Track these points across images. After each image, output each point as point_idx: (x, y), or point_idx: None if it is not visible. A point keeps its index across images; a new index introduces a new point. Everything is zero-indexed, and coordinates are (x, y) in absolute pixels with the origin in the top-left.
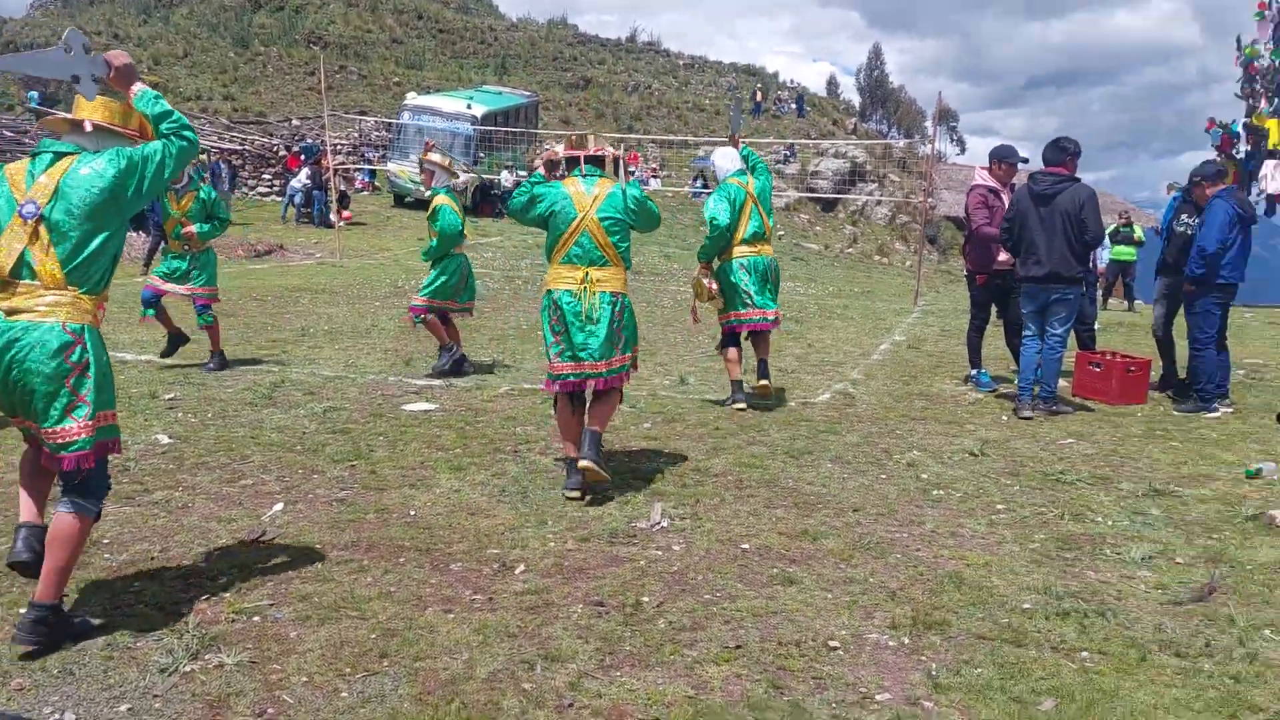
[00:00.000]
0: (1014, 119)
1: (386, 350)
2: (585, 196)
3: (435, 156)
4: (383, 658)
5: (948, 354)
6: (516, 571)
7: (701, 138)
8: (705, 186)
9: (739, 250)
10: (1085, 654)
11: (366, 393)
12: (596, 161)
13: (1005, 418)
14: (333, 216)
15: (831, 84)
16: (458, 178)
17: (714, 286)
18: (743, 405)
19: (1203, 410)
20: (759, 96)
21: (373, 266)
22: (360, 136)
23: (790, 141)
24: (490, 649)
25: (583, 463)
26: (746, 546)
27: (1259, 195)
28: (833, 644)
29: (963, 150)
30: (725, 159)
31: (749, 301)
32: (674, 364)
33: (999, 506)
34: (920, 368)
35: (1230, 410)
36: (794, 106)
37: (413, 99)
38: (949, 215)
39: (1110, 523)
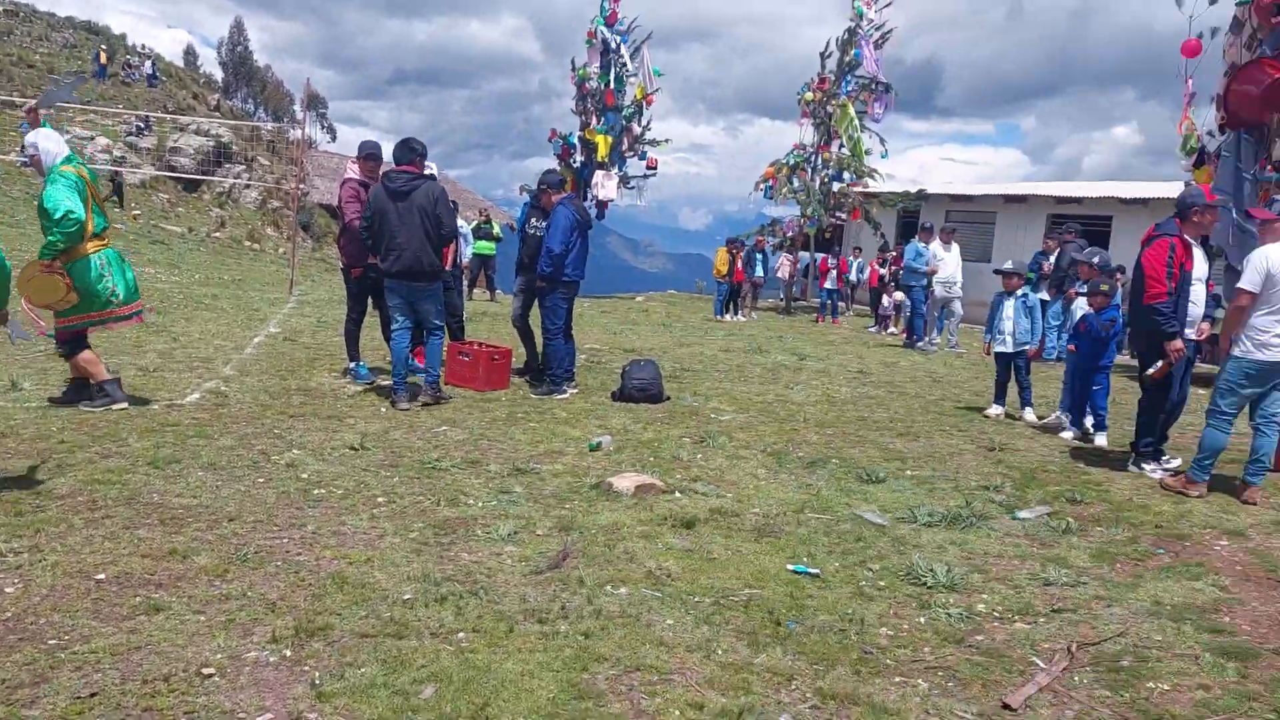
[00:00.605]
0: (381, 111)
1: None
2: None
3: None
4: None
5: (326, 346)
6: None
7: (31, 99)
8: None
9: (92, 245)
10: (462, 635)
11: None
12: None
13: (385, 410)
14: None
15: (190, 54)
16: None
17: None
18: (124, 404)
19: (555, 393)
20: (103, 59)
21: None
22: None
23: (145, 114)
24: None
25: None
26: (102, 576)
27: (592, 201)
28: (208, 670)
29: (334, 138)
30: (52, 141)
31: (115, 299)
32: (2, 366)
33: (380, 499)
34: (298, 361)
35: (576, 391)
36: (146, 74)
37: None
38: (322, 203)
39: (481, 504)
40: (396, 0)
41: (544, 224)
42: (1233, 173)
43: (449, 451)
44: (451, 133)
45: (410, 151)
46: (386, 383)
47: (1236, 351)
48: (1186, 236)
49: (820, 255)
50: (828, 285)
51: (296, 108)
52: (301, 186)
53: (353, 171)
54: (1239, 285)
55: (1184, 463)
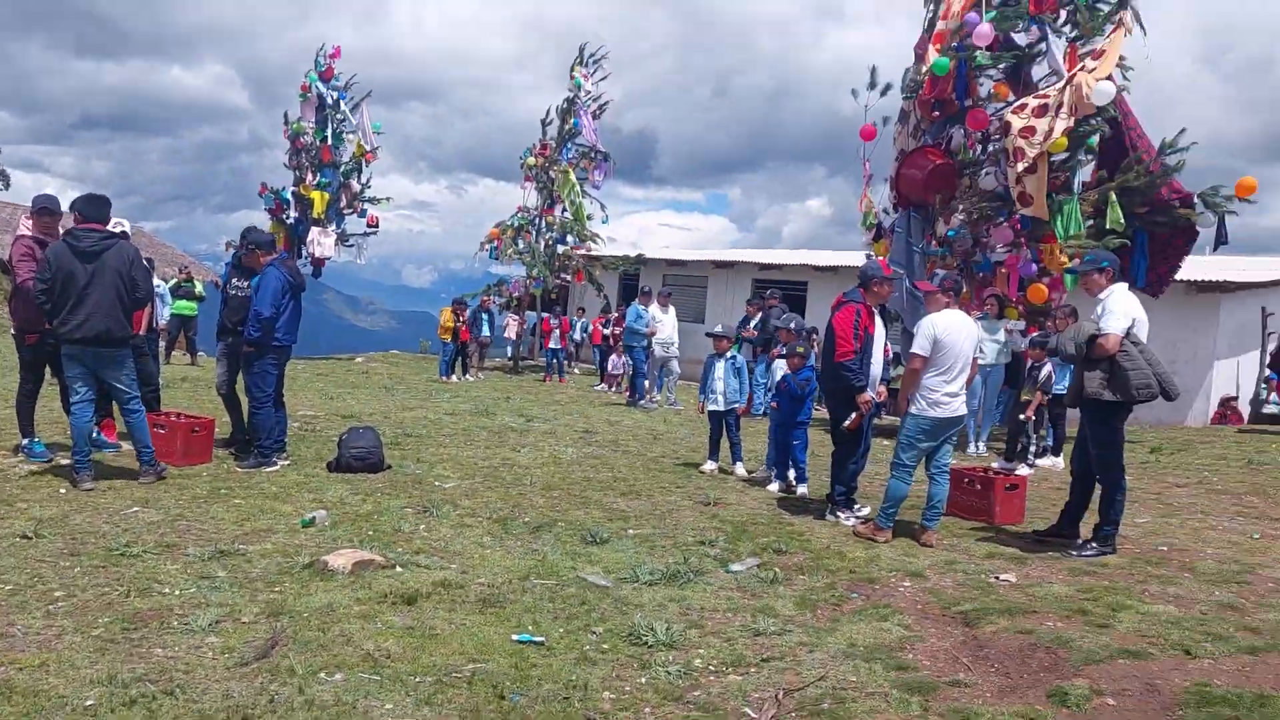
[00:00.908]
0: (65, 158)
1: None
2: None
3: None
4: None
5: None
6: None
7: None
8: None
9: None
10: None
11: None
12: None
13: (65, 490)
14: None
15: None
16: None
17: None
18: None
19: (263, 465)
20: None
21: None
22: None
23: None
24: None
25: None
26: None
27: (307, 259)
28: None
29: (7, 186)
30: None
31: None
32: None
33: (58, 594)
34: None
35: (288, 463)
36: None
37: None
38: None
39: (178, 592)
40: (87, 40)
41: (246, 284)
42: (905, 247)
43: (140, 535)
44: (149, 183)
45: (98, 206)
46: (67, 462)
47: (913, 409)
48: (868, 303)
49: (544, 315)
50: (552, 345)
51: None
52: None
53: (26, 227)
54: (912, 350)
55: (873, 510)
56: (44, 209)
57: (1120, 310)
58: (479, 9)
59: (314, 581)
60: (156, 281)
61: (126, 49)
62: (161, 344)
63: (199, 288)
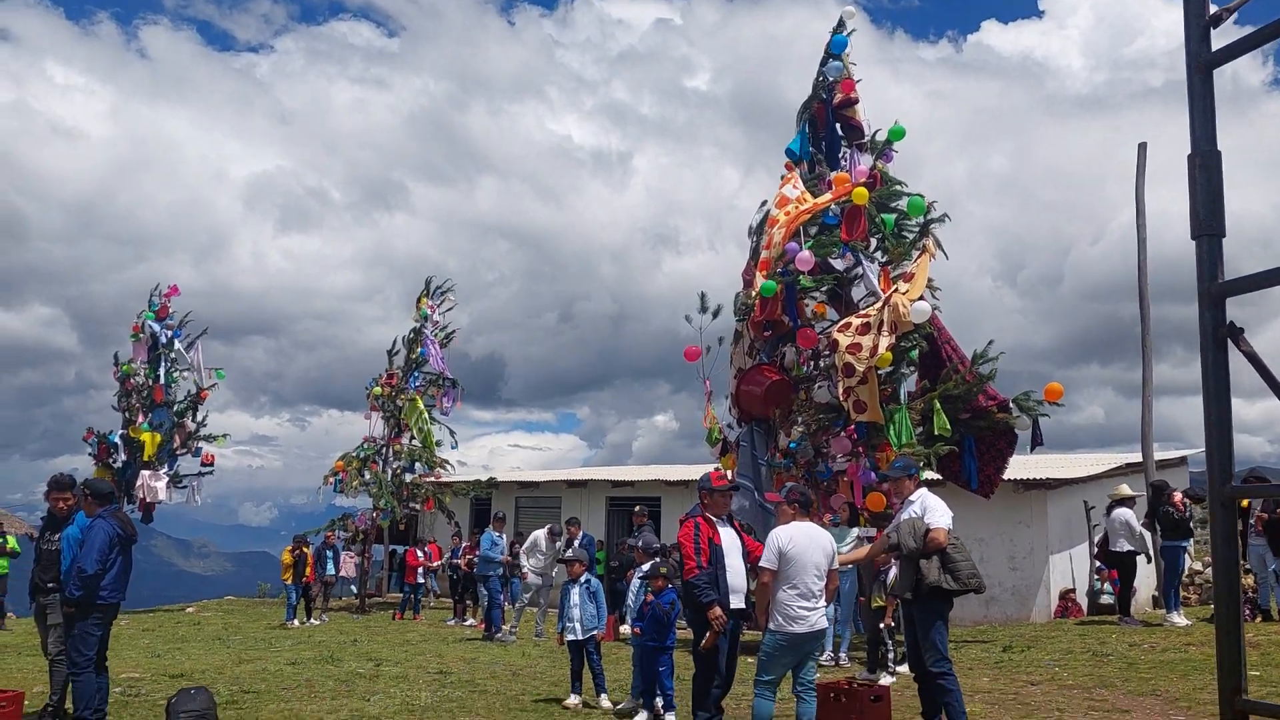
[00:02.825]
0: None
1: None
2: None
3: None
4: None
5: None
6: None
7: None
8: None
9: None
10: None
11: None
12: None
13: None
14: None
15: None
16: None
17: None
18: None
19: None
20: None
21: None
22: None
23: None
24: None
25: None
26: None
27: (136, 505)
28: None
29: None
30: None
31: None
32: None
33: None
34: None
35: None
36: None
37: None
38: None
39: None
40: None
41: (57, 537)
42: (751, 460)
43: None
44: None
45: None
46: None
47: (771, 625)
48: (707, 515)
49: (405, 548)
50: (418, 579)
51: None
52: None
53: None
54: (760, 564)
55: None
56: None
57: (942, 508)
58: (321, 245)
59: None
60: None
61: None
62: None
63: (12, 542)
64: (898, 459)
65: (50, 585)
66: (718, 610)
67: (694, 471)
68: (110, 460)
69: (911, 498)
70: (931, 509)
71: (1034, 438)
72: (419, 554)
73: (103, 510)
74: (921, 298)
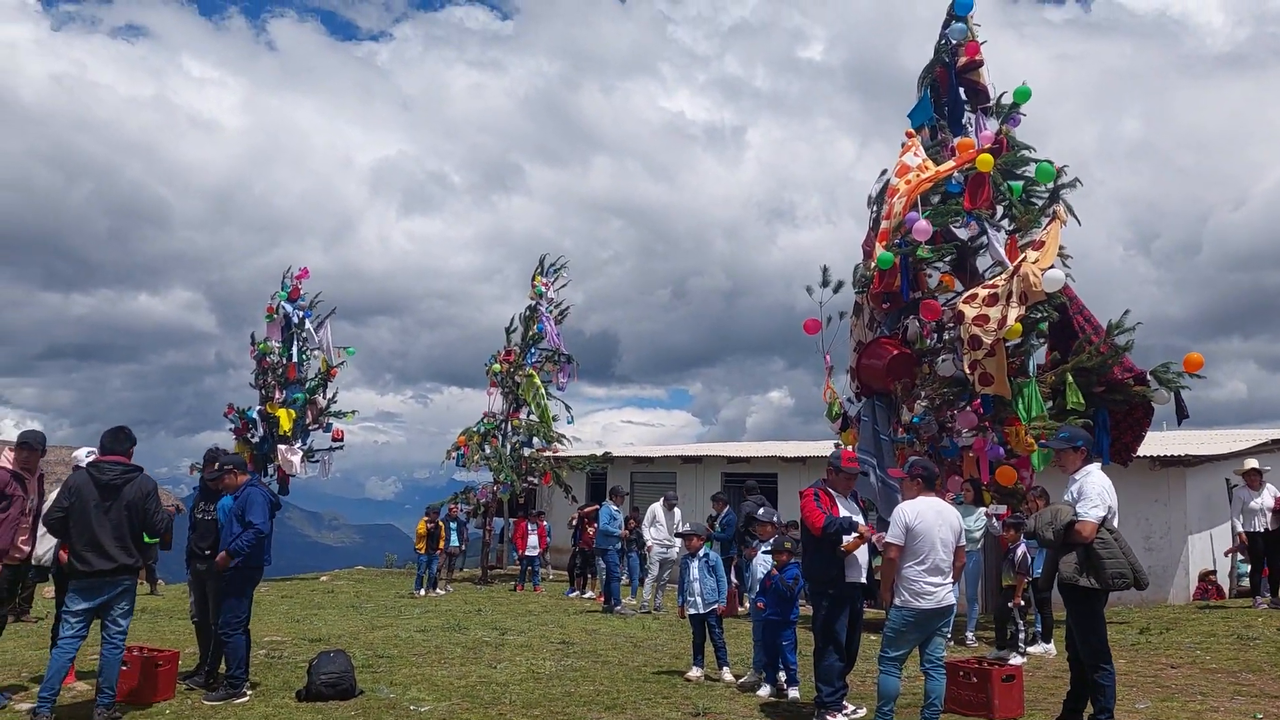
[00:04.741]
0: (27, 389)
1: None
2: None
3: None
4: None
5: None
6: None
7: None
8: None
9: None
10: None
11: None
12: None
13: None
14: None
15: None
16: None
17: None
18: None
19: (233, 696)
20: None
21: None
22: None
23: None
24: None
25: None
26: None
27: (273, 477)
28: None
29: None
30: None
31: None
32: None
33: None
34: None
35: (251, 694)
36: None
37: None
38: None
39: None
40: (55, 273)
41: (213, 508)
42: (873, 435)
43: None
44: (110, 409)
45: (121, 440)
46: (23, 706)
47: (897, 601)
48: (829, 488)
49: (515, 520)
50: (529, 551)
51: None
52: None
53: (6, 460)
54: (886, 539)
55: (869, 711)
56: (24, 444)
57: (1098, 498)
58: (444, 228)
59: None
60: None
61: (94, 280)
62: None
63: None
64: (1063, 428)
65: (208, 552)
66: (858, 531)
67: (811, 449)
68: (250, 435)
69: (1076, 475)
70: (1087, 495)
71: (1179, 410)
72: (529, 526)
73: (250, 478)
74: (1052, 266)
